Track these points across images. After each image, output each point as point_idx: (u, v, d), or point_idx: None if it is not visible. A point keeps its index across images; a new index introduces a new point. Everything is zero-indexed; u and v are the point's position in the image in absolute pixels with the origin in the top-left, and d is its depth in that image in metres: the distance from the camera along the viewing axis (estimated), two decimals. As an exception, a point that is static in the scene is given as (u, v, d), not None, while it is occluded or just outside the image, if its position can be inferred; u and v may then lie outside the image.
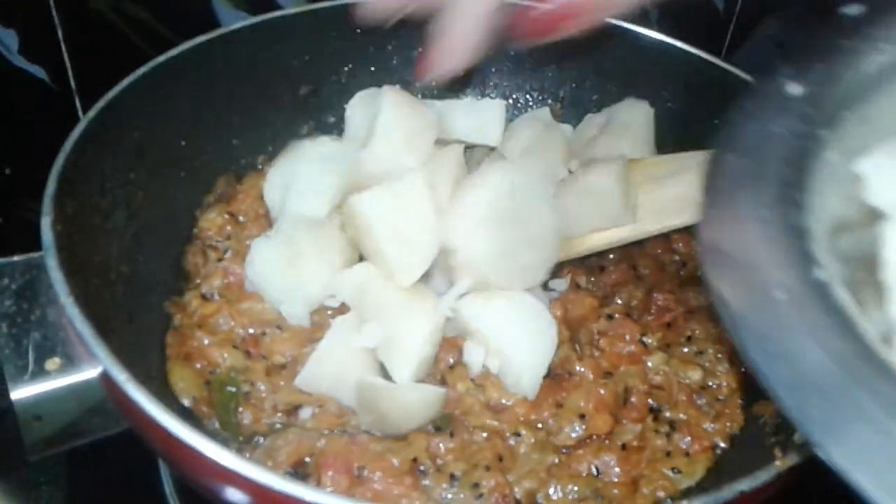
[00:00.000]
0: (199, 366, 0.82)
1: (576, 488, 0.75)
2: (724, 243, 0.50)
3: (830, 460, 0.39)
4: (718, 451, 0.81)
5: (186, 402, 0.80)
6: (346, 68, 1.10)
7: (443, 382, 0.82)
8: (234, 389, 0.80)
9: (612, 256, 0.97)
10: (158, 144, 0.92)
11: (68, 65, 1.16)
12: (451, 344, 0.84)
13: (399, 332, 0.80)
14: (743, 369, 0.86)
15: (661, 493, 0.76)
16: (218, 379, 0.81)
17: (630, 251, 0.98)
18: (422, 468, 0.75)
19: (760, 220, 0.49)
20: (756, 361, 0.44)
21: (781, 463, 0.62)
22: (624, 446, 0.79)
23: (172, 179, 0.94)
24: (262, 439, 0.78)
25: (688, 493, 0.77)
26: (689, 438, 0.80)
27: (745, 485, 0.60)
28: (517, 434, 0.78)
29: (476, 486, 0.73)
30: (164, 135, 0.93)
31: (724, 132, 0.55)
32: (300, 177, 0.93)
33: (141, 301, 0.84)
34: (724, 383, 0.86)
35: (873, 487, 0.37)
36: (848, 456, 0.39)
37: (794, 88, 0.55)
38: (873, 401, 0.40)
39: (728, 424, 0.82)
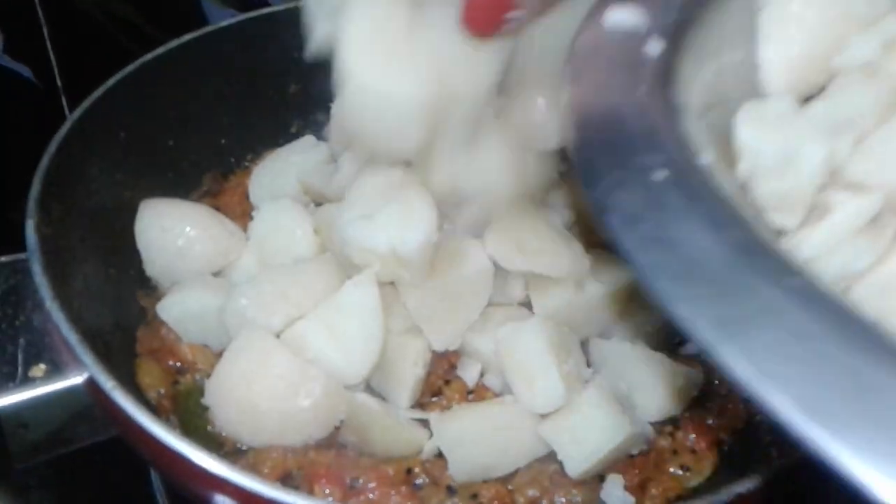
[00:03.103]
0: (171, 363, 0.80)
1: (579, 497, 0.73)
2: (595, 121, 0.42)
3: (728, 370, 0.30)
4: (725, 447, 0.79)
5: (151, 398, 0.76)
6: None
7: (439, 394, 0.81)
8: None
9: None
10: (145, 144, 0.90)
11: (54, 63, 1.15)
12: (443, 360, 0.82)
13: (387, 359, 0.77)
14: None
15: (671, 494, 0.75)
16: (185, 390, 0.79)
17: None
18: (417, 483, 0.73)
19: (635, 100, 0.42)
20: (626, 245, 0.35)
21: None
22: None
23: (159, 180, 0.92)
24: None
25: (697, 490, 0.75)
26: (693, 435, 0.79)
27: (741, 487, 0.60)
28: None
29: (475, 496, 0.72)
30: (151, 134, 0.92)
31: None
32: (280, 179, 0.93)
33: (127, 305, 0.83)
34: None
35: (789, 404, 0.29)
36: (751, 363, 0.30)
37: None
38: (782, 295, 0.32)
39: (731, 419, 0.81)
